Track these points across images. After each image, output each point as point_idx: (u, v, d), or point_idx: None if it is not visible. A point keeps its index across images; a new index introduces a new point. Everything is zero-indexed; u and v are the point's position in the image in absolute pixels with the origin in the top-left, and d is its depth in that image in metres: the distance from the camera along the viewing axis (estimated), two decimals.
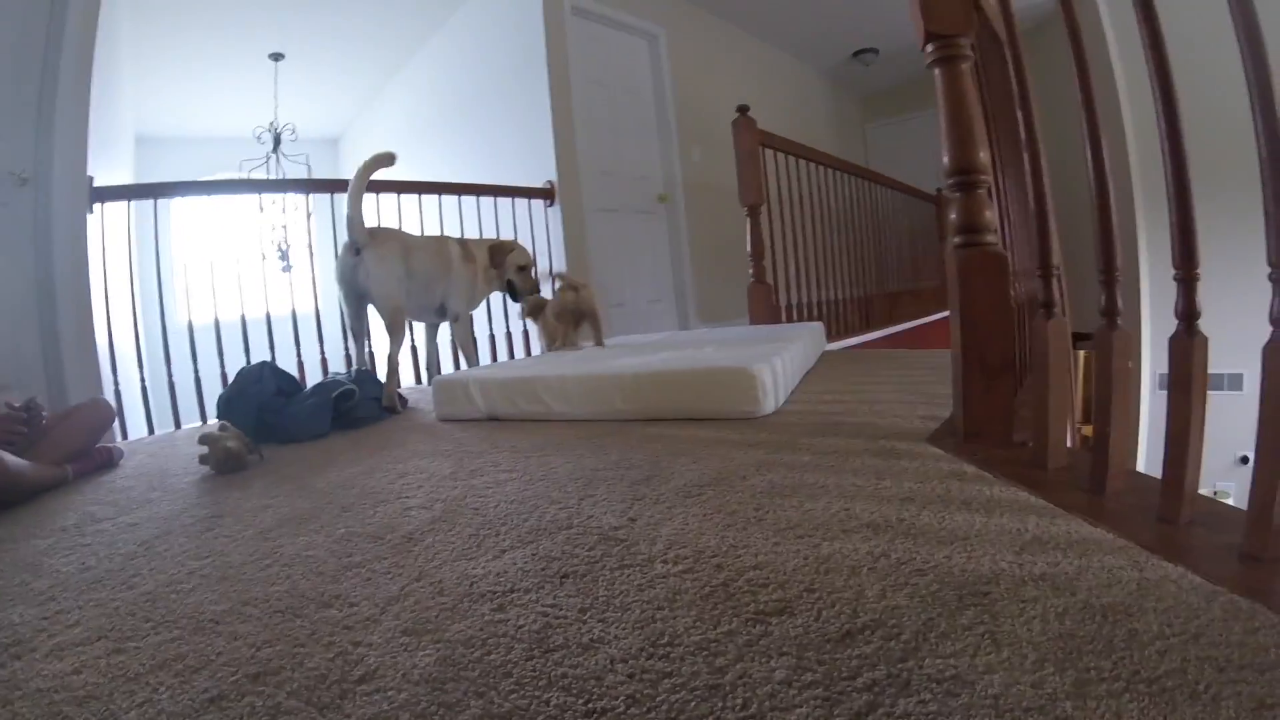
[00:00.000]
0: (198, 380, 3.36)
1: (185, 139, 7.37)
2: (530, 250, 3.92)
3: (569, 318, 3.29)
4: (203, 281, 3.54)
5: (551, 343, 3.39)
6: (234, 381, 2.52)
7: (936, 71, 1.58)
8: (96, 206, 3.16)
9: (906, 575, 0.90)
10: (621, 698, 0.70)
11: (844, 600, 0.85)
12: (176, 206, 4.73)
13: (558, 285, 3.34)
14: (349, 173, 2.94)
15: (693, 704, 0.68)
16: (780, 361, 2.19)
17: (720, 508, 1.24)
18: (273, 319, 3.57)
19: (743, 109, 4.04)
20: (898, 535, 1.04)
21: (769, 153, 4.16)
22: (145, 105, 6.43)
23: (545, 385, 2.31)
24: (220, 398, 2.48)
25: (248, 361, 3.06)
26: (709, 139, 5.90)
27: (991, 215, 1.55)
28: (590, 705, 0.70)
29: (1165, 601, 0.79)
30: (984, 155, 1.55)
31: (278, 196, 5.83)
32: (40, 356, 2.95)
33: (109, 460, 2.28)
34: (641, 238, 5.62)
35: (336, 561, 1.16)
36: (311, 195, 4.18)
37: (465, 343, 3.40)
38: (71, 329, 3.00)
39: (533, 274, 3.62)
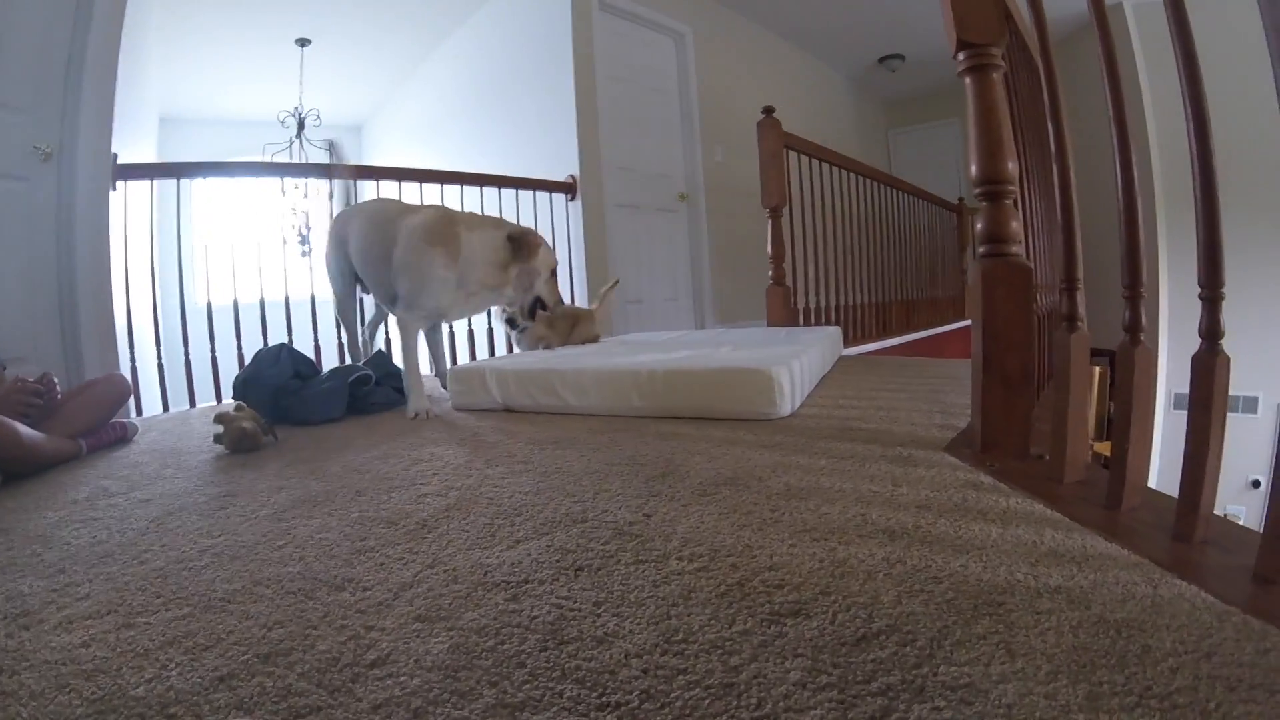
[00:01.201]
0: (214, 360, 3.38)
1: (209, 121, 7.42)
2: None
3: (564, 326, 3.32)
4: (222, 262, 3.56)
5: (537, 343, 3.26)
6: (251, 363, 2.54)
7: (967, 80, 1.58)
8: (119, 184, 3.18)
9: (922, 582, 0.91)
10: (635, 692, 0.71)
11: (859, 604, 0.86)
12: (199, 187, 4.74)
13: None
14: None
15: (707, 702, 0.69)
16: (798, 364, 2.19)
17: (736, 507, 1.24)
18: (291, 302, 3.60)
19: (768, 110, 4.04)
20: (914, 542, 1.04)
21: (792, 155, 4.15)
22: (171, 86, 6.46)
23: (562, 378, 2.32)
24: (237, 378, 2.50)
25: (265, 343, 3.09)
26: (731, 139, 5.90)
27: (1017, 226, 1.55)
28: (604, 699, 0.70)
29: (1179, 619, 0.79)
30: (1012, 166, 1.55)
31: (300, 180, 5.85)
32: (58, 331, 2.98)
33: (123, 436, 2.31)
34: (661, 235, 5.62)
35: (350, 545, 1.17)
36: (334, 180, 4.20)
37: (407, 349, 2.51)
38: (90, 305, 3.04)
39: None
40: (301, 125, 6.49)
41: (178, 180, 3.44)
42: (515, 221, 4.08)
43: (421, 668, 0.78)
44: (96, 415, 2.23)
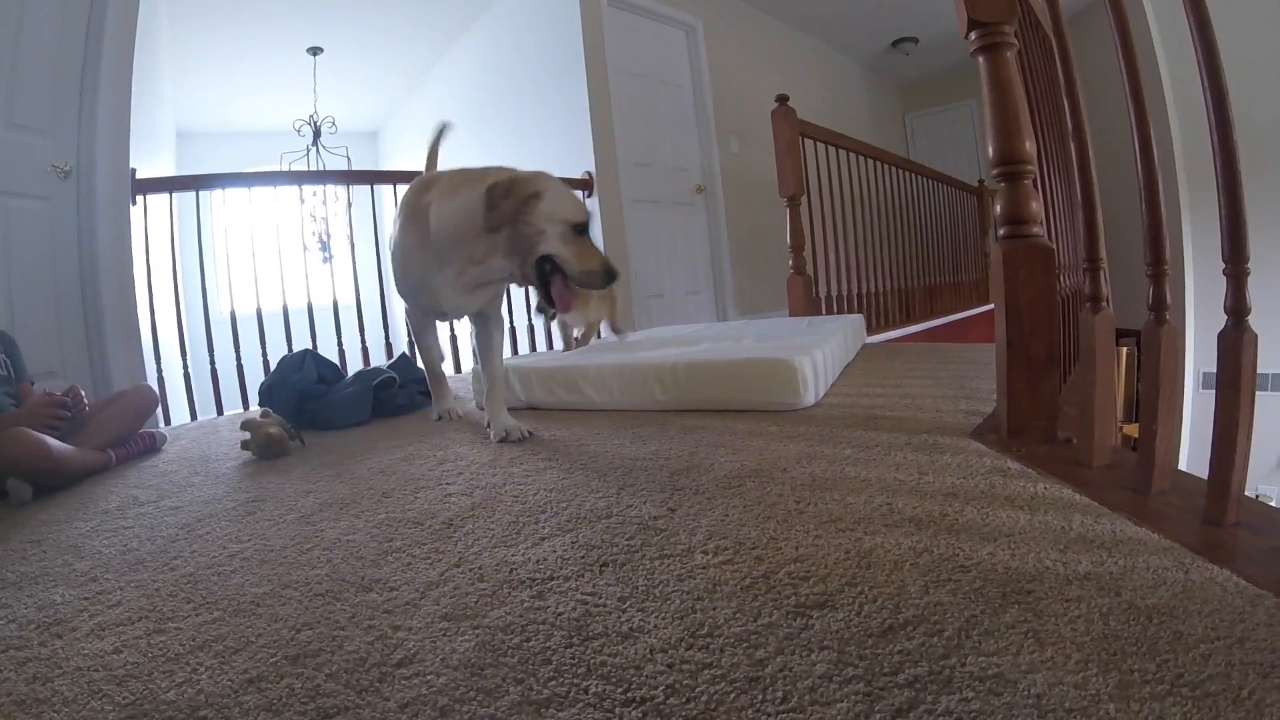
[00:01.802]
0: (240, 367, 3.42)
1: (225, 133, 7.53)
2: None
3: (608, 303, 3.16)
4: (245, 271, 3.60)
5: (584, 329, 3.12)
6: (276, 369, 2.57)
7: (980, 60, 1.56)
8: (139, 198, 3.23)
9: (949, 571, 0.90)
10: (661, 687, 0.71)
11: (886, 595, 0.85)
12: (218, 198, 4.78)
13: None
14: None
15: (732, 696, 0.68)
16: (821, 354, 2.18)
17: (760, 499, 1.24)
18: (314, 308, 3.63)
19: (782, 99, 4.01)
20: (940, 531, 1.03)
21: (808, 143, 4.12)
22: (185, 101, 6.56)
23: (584, 375, 2.32)
24: (262, 385, 2.53)
25: (289, 350, 3.12)
26: (746, 130, 5.88)
27: (1038, 206, 1.52)
28: (629, 694, 0.71)
29: (1210, 604, 0.78)
30: (1029, 145, 1.52)
31: (318, 187, 5.89)
32: (85, 345, 3.03)
33: (151, 445, 2.34)
34: (679, 229, 5.60)
35: (376, 546, 1.18)
36: (352, 186, 4.23)
37: (422, 348, 2.36)
38: (115, 318, 3.09)
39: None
40: (318, 133, 6.54)
41: (196, 192, 3.49)
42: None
43: (448, 666, 0.79)
44: (125, 426, 2.26)
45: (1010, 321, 1.49)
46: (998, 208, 1.53)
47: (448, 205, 1.84)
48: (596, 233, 4.56)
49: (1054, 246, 1.54)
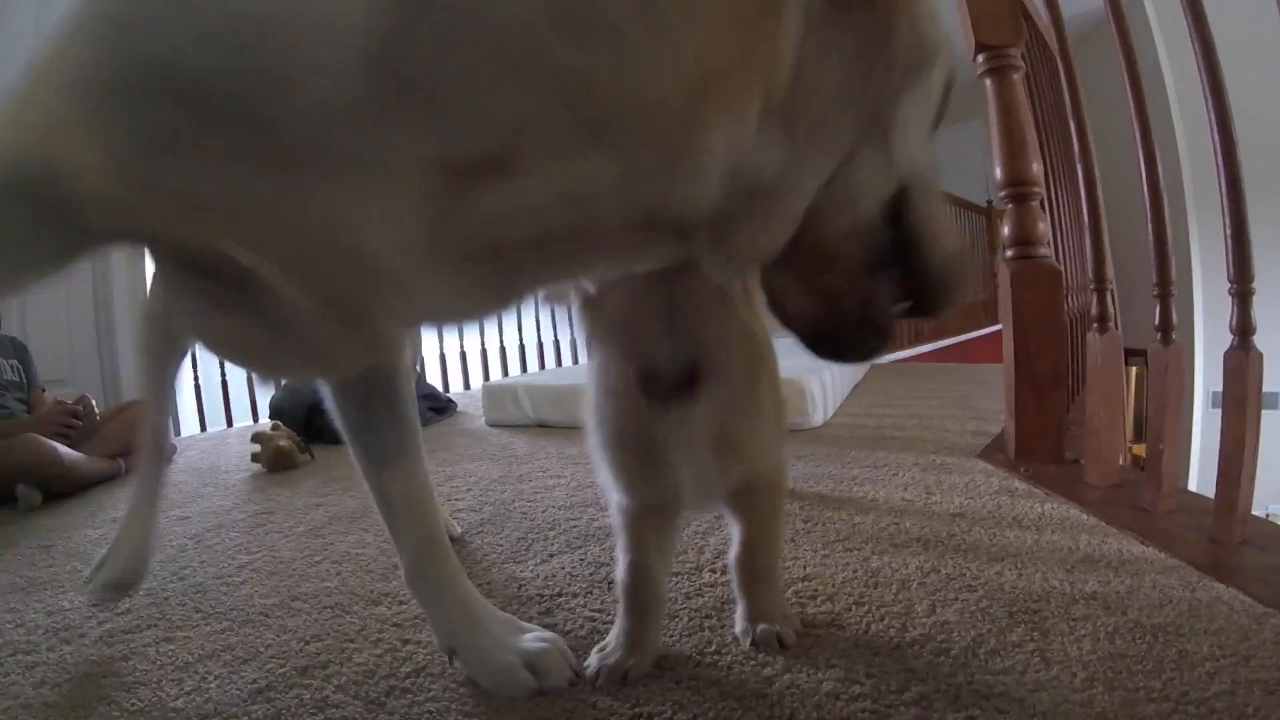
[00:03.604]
0: (250, 379, 3.44)
1: None
2: None
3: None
4: None
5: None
6: (285, 383, 2.58)
7: (987, 82, 1.58)
8: None
9: (956, 591, 0.90)
10: (669, 703, 0.72)
11: (893, 614, 0.86)
12: None
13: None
14: None
15: (740, 713, 0.69)
16: (829, 374, 2.19)
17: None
18: None
19: None
20: (948, 551, 1.04)
21: None
22: None
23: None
24: (272, 398, 2.55)
25: None
26: None
27: (1045, 228, 1.54)
28: (637, 710, 0.71)
29: (1216, 623, 0.79)
30: (1036, 167, 1.54)
31: None
32: (96, 353, 3.06)
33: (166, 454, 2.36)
34: None
35: (385, 560, 1.19)
36: None
37: None
38: (127, 326, 3.12)
39: None
40: None
41: None
42: None
43: (456, 680, 0.80)
44: (135, 435, 2.28)
45: (1018, 341, 1.50)
46: (1005, 229, 1.55)
47: None
48: None
49: (1062, 267, 1.55)
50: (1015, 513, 1.18)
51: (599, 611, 0.94)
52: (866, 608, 0.88)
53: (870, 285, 0.55)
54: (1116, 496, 1.23)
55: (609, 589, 1.01)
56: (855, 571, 0.99)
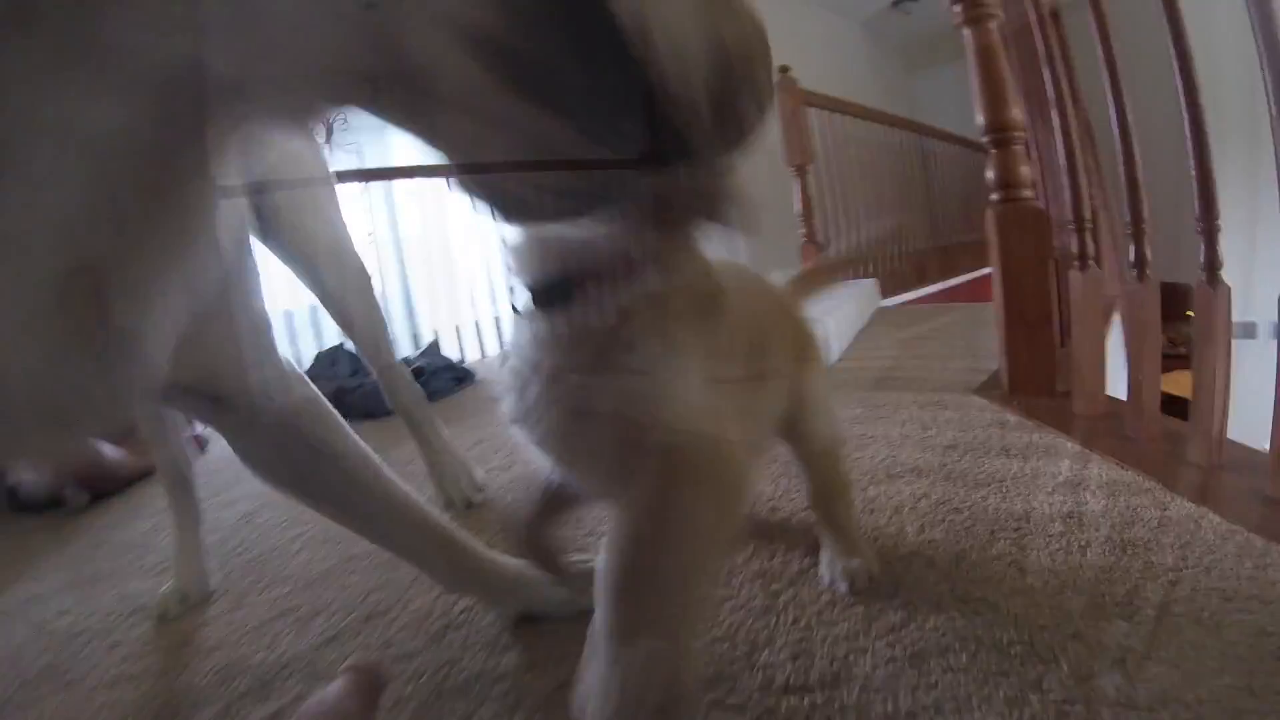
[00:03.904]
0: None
1: None
2: None
3: None
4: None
5: None
6: (311, 366, 2.71)
7: (965, 32, 1.61)
8: None
9: (944, 514, 0.99)
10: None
11: (886, 535, 0.95)
12: None
13: None
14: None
15: (749, 622, 0.79)
16: (833, 321, 2.27)
17: (774, 457, 1.33)
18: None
19: (784, 69, 4.03)
20: (939, 479, 1.12)
21: (813, 112, 4.16)
22: None
23: None
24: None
25: (319, 347, 3.26)
26: None
27: (1027, 170, 1.59)
28: None
29: (1184, 538, 0.86)
30: (1016, 112, 1.58)
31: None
32: None
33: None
34: None
35: None
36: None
37: None
38: None
39: None
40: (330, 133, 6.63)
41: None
42: None
43: (499, 617, 0.90)
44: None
45: (1006, 282, 1.56)
46: (989, 173, 1.60)
47: None
48: None
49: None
50: (1004, 443, 1.26)
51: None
52: (863, 531, 0.97)
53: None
54: (1103, 426, 1.31)
55: None
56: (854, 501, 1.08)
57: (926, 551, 0.89)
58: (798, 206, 4.08)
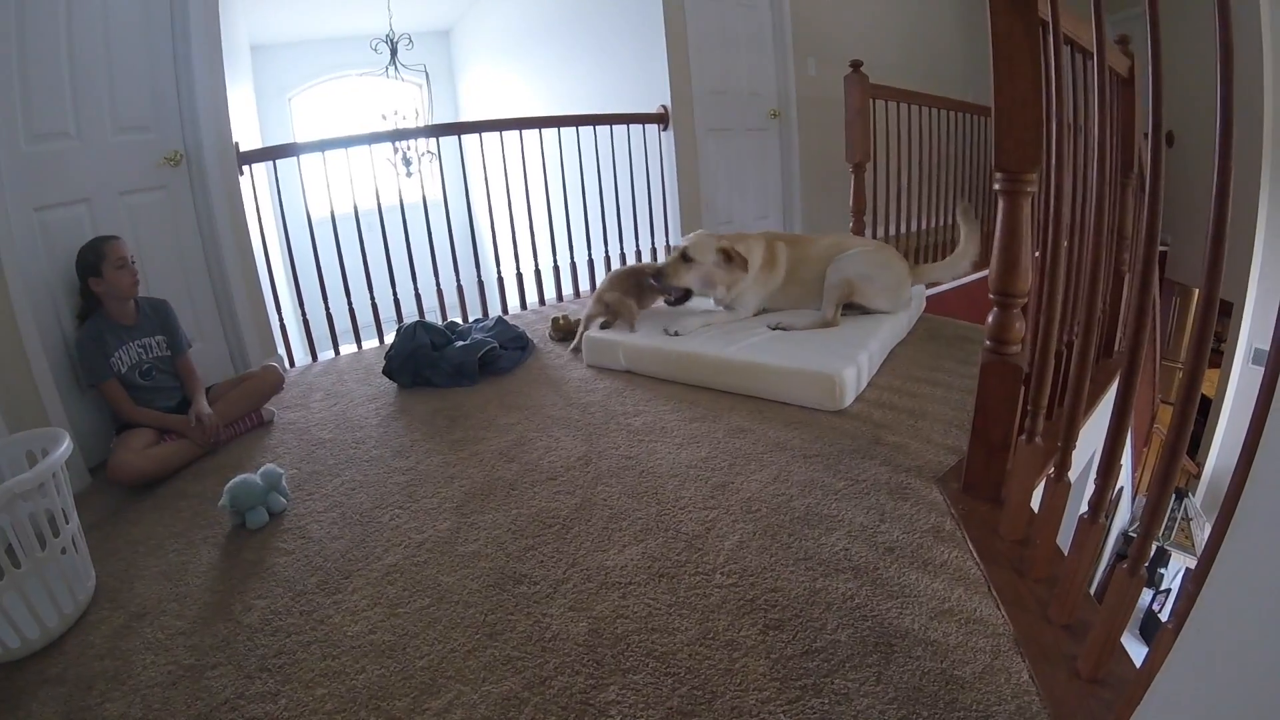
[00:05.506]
0: (351, 312, 4.27)
1: (298, 43, 8.24)
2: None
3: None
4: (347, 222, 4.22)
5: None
6: (394, 342, 3.47)
7: (1000, 200, 1.95)
8: (245, 168, 3.80)
9: (857, 619, 1.59)
10: (684, 668, 1.50)
11: (814, 628, 1.57)
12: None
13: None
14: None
15: (715, 678, 1.46)
16: (865, 356, 2.96)
17: (766, 529, 1.94)
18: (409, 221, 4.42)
19: (856, 64, 4.24)
20: (868, 583, 1.70)
21: (879, 103, 4.39)
22: (257, 13, 7.16)
23: (670, 357, 3.26)
24: (387, 352, 3.44)
25: (389, 262, 4.04)
26: (825, 50, 6.08)
27: (1020, 328, 2.03)
28: (667, 669, 1.49)
29: (992, 685, 1.37)
30: (1024, 282, 1.96)
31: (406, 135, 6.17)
32: (217, 318, 3.69)
33: (259, 422, 3.11)
34: (751, 155, 6.01)
35: (517, 543, 1.98)
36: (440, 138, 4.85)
37: None
38: (241, 287, 3.73)
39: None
40: (394, 50, 7.25)
41: (297, 158, 4.12)
42: (611, 160, 5.10)
43: (574, 644, 1.59)
44: (249, 406, 3.06)
45: (980, 413, 2.09)
46: (989, 326, 2.05)
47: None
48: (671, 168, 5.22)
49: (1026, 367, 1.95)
50: (927, 556, 1.78)
51: (653, 600, 1.71)
52: (801, 620, 1.59)
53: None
54: (1013, 553, 1.80)
55: (659, 581, 1.77)
56: (805, 589, 1.69)
57: (830, 650, 1.50)
58: (850, 202, 4.47)
